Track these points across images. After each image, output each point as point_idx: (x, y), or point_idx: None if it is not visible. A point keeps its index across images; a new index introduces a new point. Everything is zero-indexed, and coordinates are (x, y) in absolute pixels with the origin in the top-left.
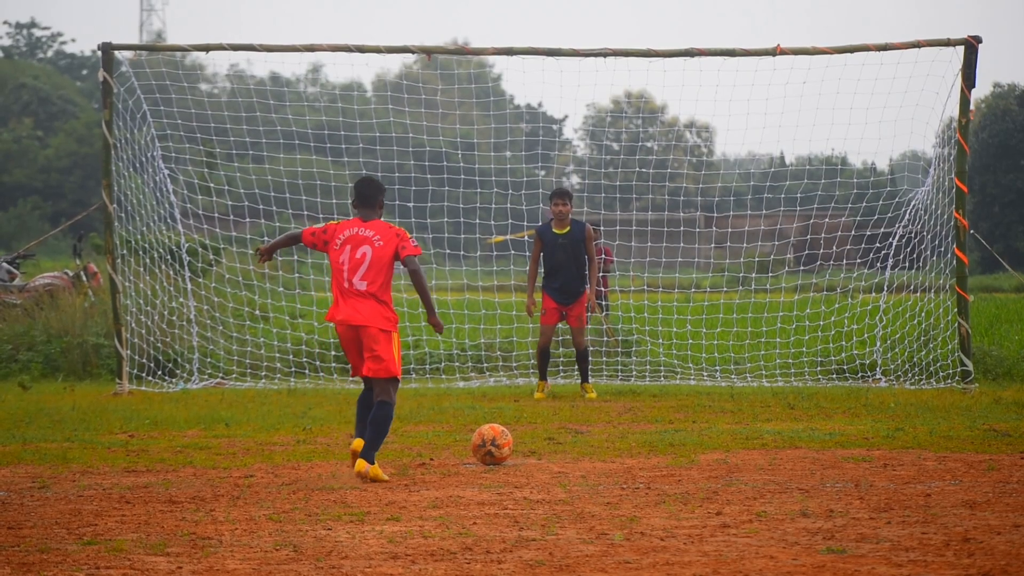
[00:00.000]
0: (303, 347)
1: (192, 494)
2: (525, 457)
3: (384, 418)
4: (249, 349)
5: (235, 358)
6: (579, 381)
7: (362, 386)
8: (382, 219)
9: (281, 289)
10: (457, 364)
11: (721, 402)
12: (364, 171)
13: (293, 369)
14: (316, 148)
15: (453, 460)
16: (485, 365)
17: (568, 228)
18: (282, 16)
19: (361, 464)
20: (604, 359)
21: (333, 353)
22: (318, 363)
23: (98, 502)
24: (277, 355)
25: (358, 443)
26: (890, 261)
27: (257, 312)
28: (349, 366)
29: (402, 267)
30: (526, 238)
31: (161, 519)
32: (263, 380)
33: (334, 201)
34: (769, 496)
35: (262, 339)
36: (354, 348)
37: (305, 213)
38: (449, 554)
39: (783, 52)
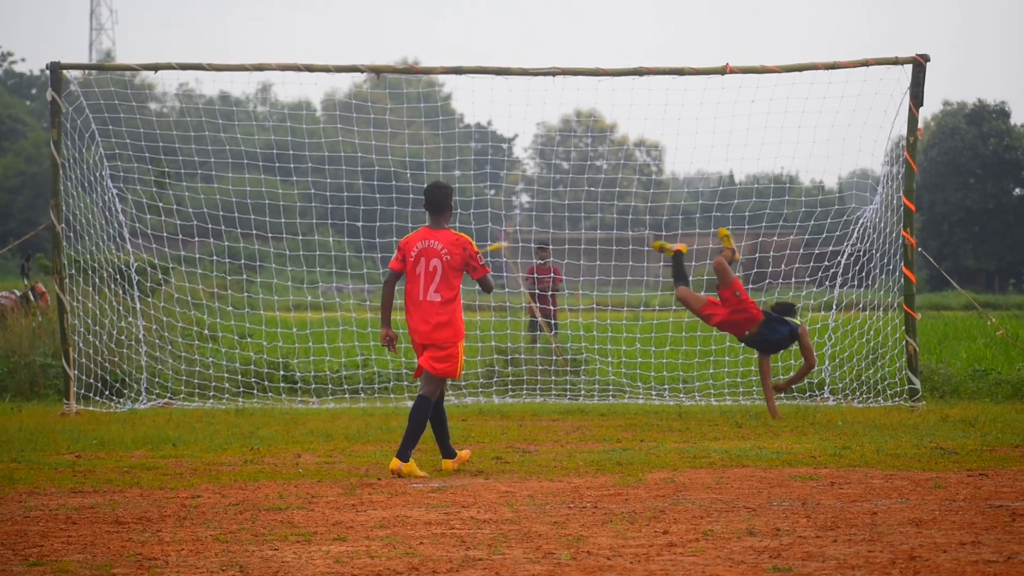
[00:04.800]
0: (251, 367)
1: (139, 515)
2: (472, 476)
3: (420, 412)
4: (197, 369)
5: (183, 378)
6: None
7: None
8: (449, 226)
9: (230, 308)
10: (406, 383)
11: (669, 421)
12: (313, 190)
13: (241, 389)
14: (265, 167)
15: (400, 480)
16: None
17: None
18: (231, 35)
19: (393, 463)
20: (553, 378)
21: (282, 373)
22: (266, 383)
23: (44, 523)
24: (225, 375)
25: (446, 464)
26: (839, 279)
27: (206, 332)
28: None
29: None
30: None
31: (107, 540)
32: (211, 400)
33: (283, 220)
34: (716, 515)
35: (211, 359)
36: (420, 351)
37: (254, 232)
38: (396, 574)
39: (732, 71)
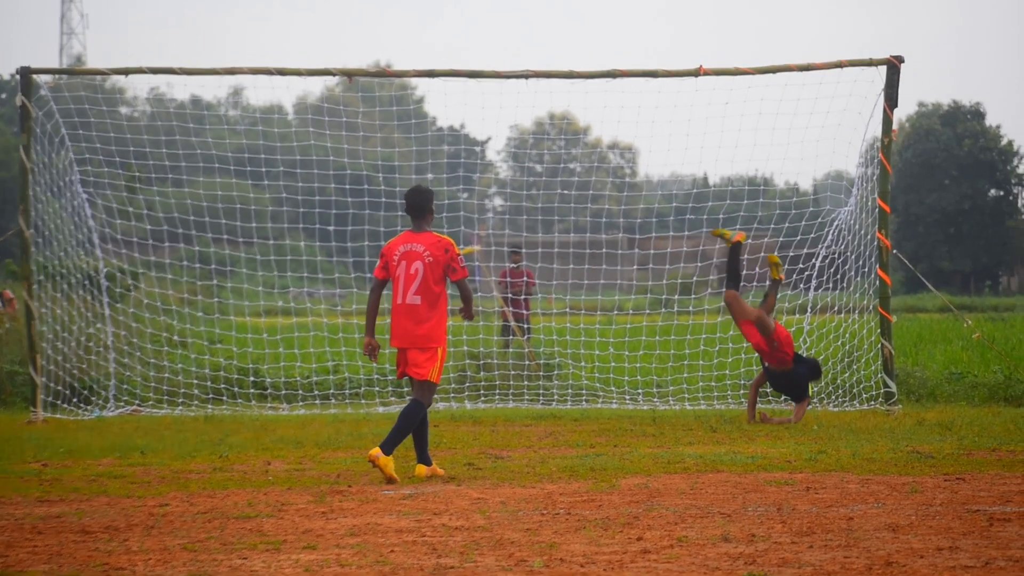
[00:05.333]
0: (221, 373)
1: (106, 524)
2: (444, 483)
3: (412, 413)
4: (167, 375)
5: (152, 384)
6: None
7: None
8: (431, 229)
9: (200, 314)
10: (377, 389)
11: (643, 426)
12: (285, 194)
13: (211, 396)
14: (237, 171)
15: (371, 487)
16: (405, 390)
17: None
18: (203, 39)
19: (375, 451)
20: (526, 383)
21: (252, 379)
22: (236, 389)
23: (10, 533)
24: (195, 381)
25: (420, 469)
26: (813, 282)
27: (175, 338)
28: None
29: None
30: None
31: (74, 550)
32: (180, 407)
33: (254, 225)
34: (690, 521)
35: (180, 365)
36: (403, 359)
37: (225, 237)
38: None
39: (705, 73)
